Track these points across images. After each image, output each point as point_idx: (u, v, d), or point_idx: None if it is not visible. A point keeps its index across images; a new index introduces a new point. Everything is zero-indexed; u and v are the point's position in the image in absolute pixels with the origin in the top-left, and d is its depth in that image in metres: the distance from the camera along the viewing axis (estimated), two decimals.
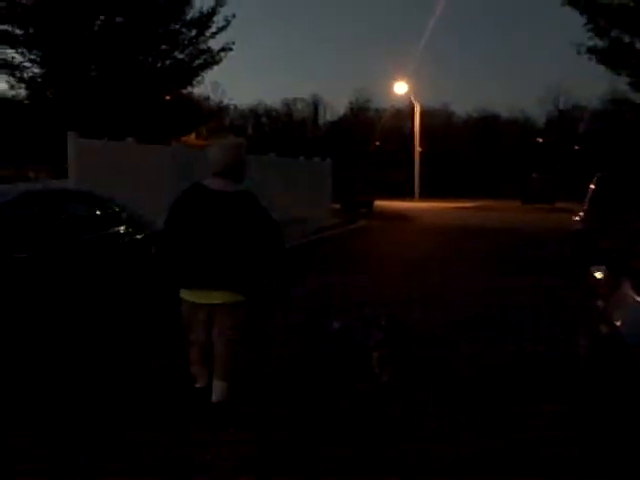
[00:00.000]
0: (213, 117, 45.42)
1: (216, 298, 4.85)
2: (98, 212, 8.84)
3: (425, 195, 52.90)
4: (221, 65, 31.52)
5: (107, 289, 7.72)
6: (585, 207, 14.41)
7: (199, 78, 32.27)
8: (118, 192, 14.79)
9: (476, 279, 12.30)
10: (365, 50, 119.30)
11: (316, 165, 27.71)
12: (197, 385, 5.14)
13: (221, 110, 73.63)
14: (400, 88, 53.52)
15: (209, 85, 71.31)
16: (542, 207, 41.13)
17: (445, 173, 62.62)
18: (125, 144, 16.22)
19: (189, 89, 37.93)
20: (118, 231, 8.91)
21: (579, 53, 29.83)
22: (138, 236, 8.84)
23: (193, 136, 47.96)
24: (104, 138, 16.81)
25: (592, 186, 14.96)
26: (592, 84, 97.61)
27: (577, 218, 14.90)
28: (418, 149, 55.62)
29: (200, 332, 4.98)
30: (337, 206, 30.71)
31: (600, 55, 29.39)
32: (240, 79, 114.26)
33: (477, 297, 10.39)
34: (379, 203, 36.49)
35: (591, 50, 29.42)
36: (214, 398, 4.94)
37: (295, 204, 22.41)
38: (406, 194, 53.52)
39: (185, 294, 4.96)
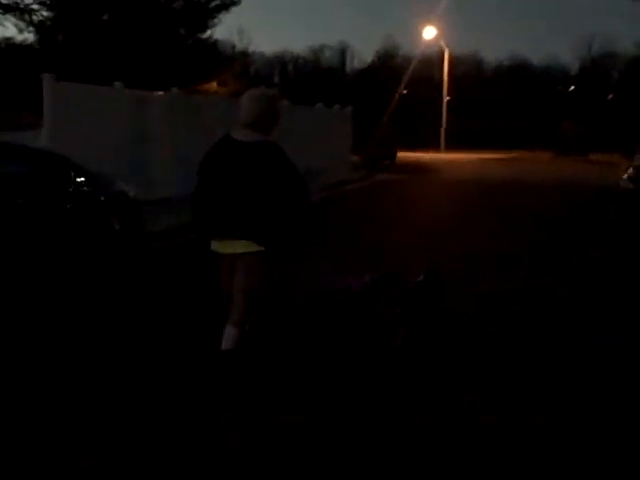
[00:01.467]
0: (233, 63, 42.75)
1: (237, 247, 4.85)
2: (42, 171, 7.25)
3: (452, 146, 50.24)
4: (247, 12, 29.70)
5: (42, 261, 6.63)
6: (637, 163, 12.22)
7: (216, 20, 30.10)
8: (100, 145, 13.02)
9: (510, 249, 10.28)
10: None
11: (336, 113, 25.41)
12: (223, 347, 4.93)
13: (245, 57, 71.36)
14: (429, 33, 50.53)
15: (234, 32, 69.12)
16: (575, 159, 38.59)
17: (474, 122, 59.64)
18: (111, 89, 14.17)
19: (208, 34, 35.71)
20: (64, 194, 7.28)
21: None
22: (96, 200, 7.71)
23: (214, 84, 45.74)
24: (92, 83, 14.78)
25: None
26: (627, 29, 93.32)
27: (625, 176, 12.74)
28: (446, 97, 52.79)
29: (225, 281, 5.01)
30: (357, 158, 28.52)
31: None
32: (267, 26, 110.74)
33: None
34: (403, 154, 34.26)
35: None
36: (223, 346, 4.90)
37: (311, 155, 20.31)
38: (432, 145, 50.95)
39: (212, 244, 5.02)
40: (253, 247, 4.83)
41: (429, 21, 50.95)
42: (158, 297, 7.42)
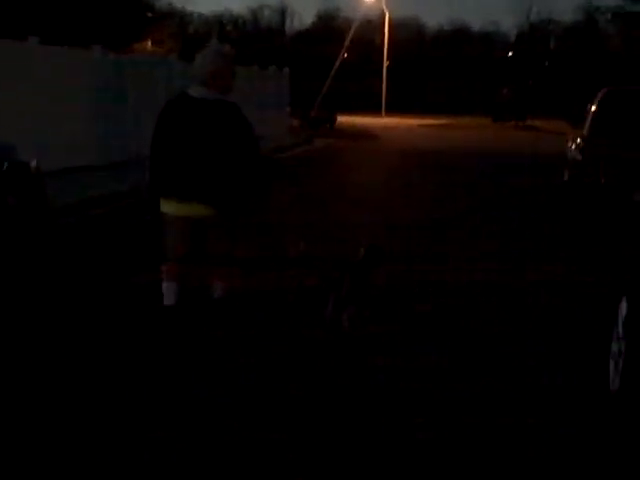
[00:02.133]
0: (165, 21, 40.81)
1: (196, 210, 4.72)
2: None
3: (392, 110, 49.42)
4: None
5: None
6: (585, 132, 11.48)
7: None
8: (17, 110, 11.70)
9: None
10: None
11: (272, 75, 24.12)
12: (166, 302, 4.90)
13: (180, 16, 69.20)
14: None
15: None
16: (514, 125, 38.18)
17: (414, 87, 58.86)
18: (25, 45, 12.76)
19: None
20: None
21: None
22: None
23: (149, 43, 43.85)
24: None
25: (593, 107, 11.97)
26: None
27: (572, 145, 12.00)
28: (386, 61, 51.82)
29: (178, 244, 4.84)
30: (296, 122, 27.41)
31: None
32: None
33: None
34: (343, 119, 33.27)
35: None
36: (215, 295, 4.91)
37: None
38: (372, 109, 50.03)
39: (164, 205, 4.82)
40: (211, 211, 4.74)
41: None
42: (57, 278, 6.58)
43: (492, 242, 8.56)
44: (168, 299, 4.87)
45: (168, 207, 4.81)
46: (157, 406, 3.91)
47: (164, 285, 4.89)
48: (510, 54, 68.45)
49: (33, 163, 8.12)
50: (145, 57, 17.36)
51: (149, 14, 35.08)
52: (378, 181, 14.33)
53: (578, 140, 11.52)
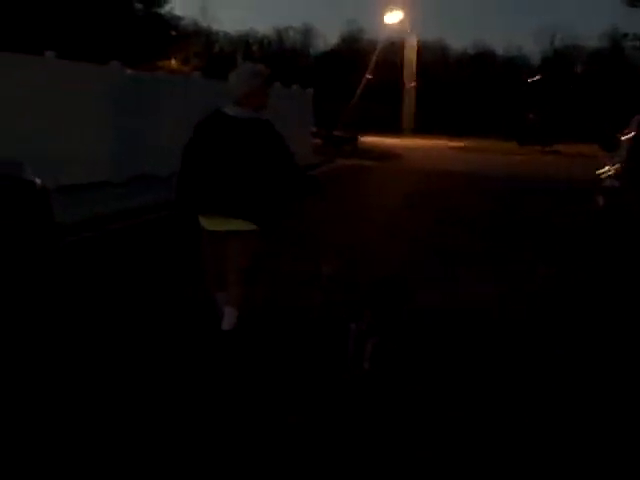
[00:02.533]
0: (190, 39, 40.68)
1: (229, 225, 4.72)
2: None
3: (415, 131, 48.95)
4: None
5: None
6: (622, 158, 10.87)
7: None
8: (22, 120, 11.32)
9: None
10: None
11: (295, 94, 23.65)
12: (224, 327, 4.80)
13: (205, 35, 69.47)
14: (394, 17, 49.00)
15: (197, 10, 67.13)
16: (540, 149, 37.43)
17: (437, 109, 58.36)
18: (40, 60, 12.37)
19: (166, 9, 33.82)
20: None
21: None
22: None
23: (173, 61, 43.73)
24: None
25: (630, 131, 11.36)
26: (590, 22, 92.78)
27: (609, 172, 11.40)
28: (411, 83, 51.39)
29: (214, 259, 4.87)
30: (318, 141, 26.94)
31: None
32: (231, 6, 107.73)
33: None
34: (366, 139, 32.77)
35: None
36: (223, 326, 4.80)
37: None
38: (395, 130, 49.58)
39: (201, 221, 4.84)
40: (248, 225, 4.70)
41: (394, 6, 49.41)
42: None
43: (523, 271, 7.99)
44: (227, 324, 4.81)
45: (204, 222, 4.85)
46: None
47: (225, 310, 4.84)
48: (536, 77, 67.88)
49: (38, 180, 7.69)
50: (165, 74, 16.89)
51: (173, 32, 34.86)
52: (398, 204, 13.77)
53: (615, 166, 10.93)
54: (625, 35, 27.83)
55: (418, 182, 18.30)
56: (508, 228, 11.38)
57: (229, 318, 4.76)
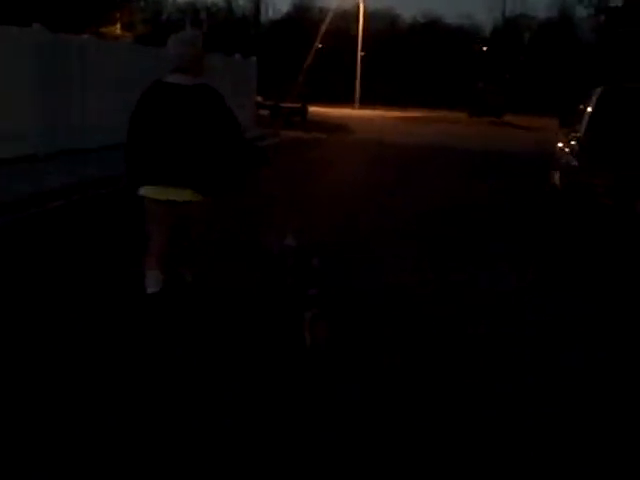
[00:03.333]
0: (129, 4, 38.86)
1: (181, 195, 4.63)
2: None
3: (365, 102, 48.01)
4: None
5: None
6: (581, 135, 10.10)
7: None
8: None
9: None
10: None
11: (237, 63, 22.44)
12: (149, 291, 4.78)
13: (153, 1, 67.47)
14: None
15: None
16: (491, 120, 36.91)
17: (388, 79, 57.43)
18: None
19: None
20: None
21: None
22: None
23: (117, 28, 41.95)
24: None
25: (589, 106, 10.62)
26: None
27: (565, 148, 10.65)
28: (360, 52, 50.30)
29: (161, 229, 4.76)
30: (266, 112, 25.84)
31: None
32: None
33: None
34: (315, 110, 31.77)
35: None
36: (149, 290, 4.75)
37: None
38: (345, 100, 48.59)
39: (147, 191, 4.70)
40: (195, 196, 4.65)
41: None
42: None
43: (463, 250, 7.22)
44: (151, 287, 4.76)
45: (152, 193, 4.68)
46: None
47: (147, 274, 4.78)
48: (485, 48, 67.34)
49: None
50: (94, 39, 15.50)
51: None
52: (341, 180, 12.90)
53: (572, 142, 10.16)
54: (580, 1, 27.19)
55: (362, 157, 17.43)
56: (453, 212, 10.59)
57: (153, 280, 4.74)
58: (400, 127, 30.25)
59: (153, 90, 4.68)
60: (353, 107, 46.80)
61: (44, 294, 5.49)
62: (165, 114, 4.58)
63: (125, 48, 15.88)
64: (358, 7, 50.83)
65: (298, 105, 28.00)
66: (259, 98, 25.77)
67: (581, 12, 65.67)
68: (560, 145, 11.82)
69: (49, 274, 6.01)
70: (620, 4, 26.55)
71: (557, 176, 10.79)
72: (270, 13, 76.10)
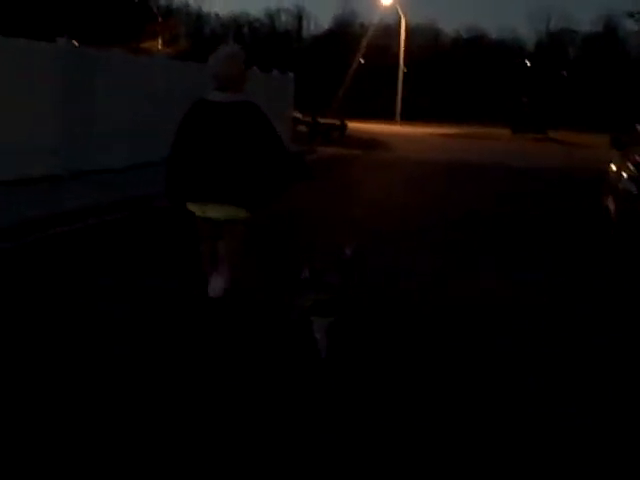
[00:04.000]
0: (168, 19, 38.64)
1: (221, 212, 4.63)
2: None
3: (407, 118, 47.15)
4: None
5: None
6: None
7: None
8: None
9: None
10: None
11: (275, 79, 21.80)
12: (210, 294, 4.78)
13: (196, 16, 67.75)
14: None
15: None
16: (534, 137, 35.74)
17: (429, 95, 56.47)
18: None
19: None
20: None
21: None
22: None
23: (157, 43, 41.82)
24: None
25: None
26: (585, 5, 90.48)
27: (623, 172, 9.70)
28: (402, 68, 49.45)
29: (207, 244, 4.81)
30: (303, 128, 25.14)
31: None
32: None
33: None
34: (355, 125, 31.04)
35: None
36: (209, 292, 4.75)
37: None
38: (387, 116, 47.77)
39: (192, 207, 4.73)
40: (242, 213, 4.62)
41: None
42: None
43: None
44: (211, 291, 4.76)
45: (196, 209, 4.71)
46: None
47: (211, 279, 4.78)
48: (528, 63, 66.04)
49: None
50: (122, 53, 14.91)
51: (155, 10, 32.88)
52: (369, 202, 12.11)
53: (631, 167, 9.23)
54: (631, 15, 25.96)
55: (404, 176, 16.62)
56: (497, 239, 9.74)
57: (216, 285, 4.70)
58: (441, 144, 29.39)
59: (196, 108, 4.67)
60: (394, 123, 45.94)
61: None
62: (208, 132, 4.56)
63: (156, 63, 15.26)
64: (400, 22, 49.94)
65: (337, 121, 27.26)
66: (297, 114, 25.11)
67: (630, 26, 63.85)
68: (614, 168, 10.88)
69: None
70: None
71: (611, 202, 9.87)
72: (312, 28, 75.96)
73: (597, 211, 11.27)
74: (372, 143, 26.15)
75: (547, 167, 19.97)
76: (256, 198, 4.63)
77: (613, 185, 10.25)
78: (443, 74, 60.64)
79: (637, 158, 9.18)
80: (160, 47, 42.00)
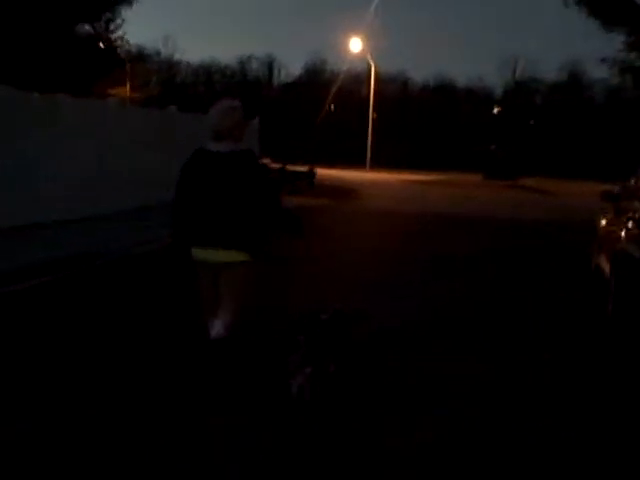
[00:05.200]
0: (134, 62, 37.61)
1: (221, 257, 4.81)
2: None
3: (378, 164, 46.35)
4: (174, 19, 25.11)
5: None
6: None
7: (111, 15, 25.36)
8: None
9: None
10: (322, 11, 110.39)
11: None
12: (212, 336, 4.95)
13: (168, 64, 67.37)
14: (355, 45, 46.54)
15: (160, 39, 65.24)
16: (506, 184, 34.98)
17: (400, 142, 55.85)
18: None
19: (118, 34, 30.93)
20: None
21: (566, 6, 23.54)
22: None
23: (127, 89, 40.81)
24: None
25: None
26: (550, 54, 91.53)
27: (620, 231, 8.56)
28: (372, 115, 48.82)
29: (209, 289, 4.93)
30: (275, 175, 23.98)
31: (591, 6, 23.03)
32: (193, 35, 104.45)
33: None
34: (325, 172, 30.05)
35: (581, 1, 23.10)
36: (212, 334, 4.91)
37: None
38: (357, 162, 46.97)
39: (195, 252, 4.90)
40: (242, 256, 4.78)
41: (356, 35, 47.07)
42: None
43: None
44: (213, 333, 4.90)
45: (198, 254, 4.84)
46: None
47: (210, 323, 4.94)
48: (496, 110, 66.04)
49: None
50: (68, 97, 13.71)
51: (121, 56, 31.88)
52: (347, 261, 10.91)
53: (629, 225, 8.09)
54: (603, 60, 25.70)
55: (374, 230, 15.47)
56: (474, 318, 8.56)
57: (218, 328, 4.84)
58: (411, 191, 28.43)
59: (195, 158, 4.87)
60: (364, 170, 45.10)
61: None
62: (207, 181, 4.75)
63: (109, 108, 14.08)
64: (370, 70, 49.48)
65: (305, 169, 26.18)
66: (267, 160, 24.01)
67: (596, 73, 64.23)
68: (604, 222, 9.82)
69: None
70: None
71: (605, 262, 8.77)
72: (282, 76, 75.57)
73: (584, 268, 10.17)
74: (341, 192, 25.05)
75: (523, 216, 18.97)
76: (256, 243, 4.80)
77: (606, 243, 9.16)
78: (412, 122, 60.30)
79: (637, 216, 8.08)
80: (129, 93, 41.01)
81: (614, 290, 7.70)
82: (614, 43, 29.55)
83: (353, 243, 12.88)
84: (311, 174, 26.07)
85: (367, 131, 47.88)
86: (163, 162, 13.72)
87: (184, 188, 4.85)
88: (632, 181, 9.04)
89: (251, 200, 4.70)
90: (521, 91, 69.55)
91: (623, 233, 8.08)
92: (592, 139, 53.95)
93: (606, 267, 8.50)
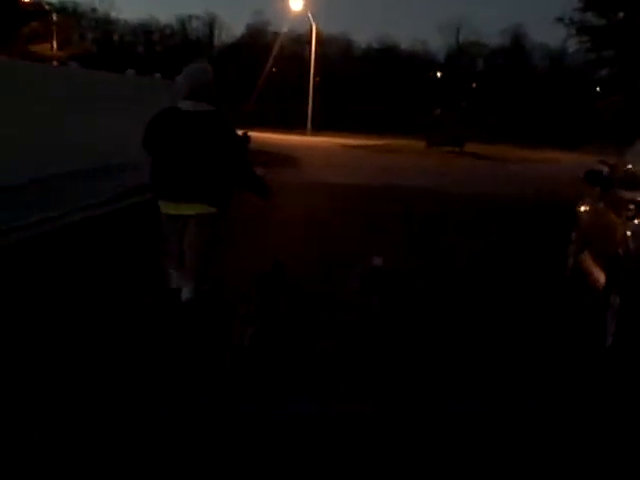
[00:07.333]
0: (41, 16, 33.90)
1: (187, 210, 4.77)
2: None
3: (319, 128, 43.74)
4: None
5: None
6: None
7: None
8: None
9: None
10: None
11: (158, 84, 18.03)
12: (171, 286, 5.02)
13: (104, 21, 63.26)
14: (296, 3, 43.60)
15: None
16: (451, 150, 32.77)
17: (342, 105, 53.14)
18: None
19: None
20: None
21: None
22: None
23: (49, 46, 37.10)
24: None
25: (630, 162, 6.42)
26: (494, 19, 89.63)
27: (617, 223, 6.28)
28: (314, 77, 46.05)
29: (173, 242, 4.88)
30: None
31: None
32: None
33: None
34: (264, 136, 27.45)
35: None
36: (183, 298, 4.88)
37: (110, 139, 13.20)
38: (298, 126, 44.31)
39: (161, 206, 4.89)
40: (204, 209, 4.73)
41: None
42: None
43: None
44: (173, 284, 4.93)
45: (166, 208, 4.79)
46: None
47: (169, 272, 4.94)
48: (439, 74, 63.95)
49: None
50: None
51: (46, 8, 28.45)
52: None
53: (630, 215, 5.79)
54: (560, 19, 23.87)
55: (305, 203, 13.04)
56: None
57: (188, 291, 4.79)
58: (351, 158, 26.02)
59: (167, 116, 4.80)
60: (305, 133, 42.47)
61: None
62: (176, 138, 4.70)
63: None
64: (311, 30, 46.51)
65: (240, 133, 23.46)
66: None
67: (537, 37, 62.97)
68: (588, 212, 7.57)
69: None
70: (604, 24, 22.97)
71: (595, 269, 6.48)
72: (224, 37, 71.84)
73: (556, 267, 7.93)
74: (278, 158, 22.47)
75: (480, 189, 16.69)
76: (221, 198, 4.77)
77: (591, 236, 6.93)
78: (356, 85, 57.66)
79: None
80: (55, 50, 37.39)
81: (620, 312, 5.40)
82: (560, 4, 27.66)
83: (277, 231, 10.38)
84: (244, 139, 23.31)
85: (309, 94, 45.16)
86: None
87: (156, 145, 4.80)
88: (628, 166, 6.70)
89: (220, 158, 4.68)
90: (463, 56, 67.70)
91: (630, 232, 5.74)
92: (535, 104, 52.36)
93: (599, 276, 6.21)
